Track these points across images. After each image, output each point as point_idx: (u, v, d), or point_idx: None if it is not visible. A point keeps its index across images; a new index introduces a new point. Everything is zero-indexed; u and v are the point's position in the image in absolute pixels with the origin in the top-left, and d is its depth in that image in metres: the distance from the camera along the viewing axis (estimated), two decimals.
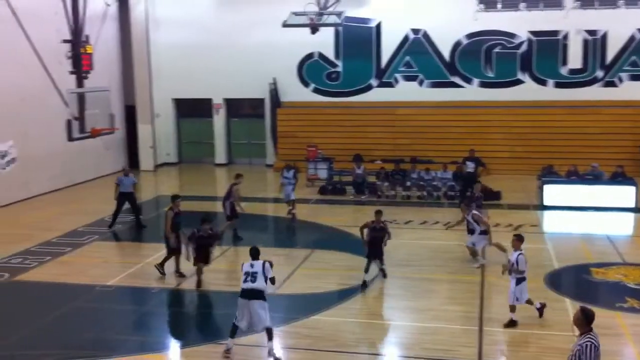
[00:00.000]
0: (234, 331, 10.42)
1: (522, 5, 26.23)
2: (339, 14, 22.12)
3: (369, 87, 28.12)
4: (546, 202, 20.49)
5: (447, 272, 14.70)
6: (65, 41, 17.44)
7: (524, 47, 26.69)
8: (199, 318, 12.85)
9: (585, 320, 7.22)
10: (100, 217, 19.46)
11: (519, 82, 26.87)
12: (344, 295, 13.13)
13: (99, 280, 14.14)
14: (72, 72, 17.47)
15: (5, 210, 20.79)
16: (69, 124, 16.46)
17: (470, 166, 20.77)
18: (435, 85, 27.44)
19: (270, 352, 10.34)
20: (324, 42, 27.01)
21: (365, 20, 27.57)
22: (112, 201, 18.18)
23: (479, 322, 11.69)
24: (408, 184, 22.24)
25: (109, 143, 26.15)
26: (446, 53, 27.21)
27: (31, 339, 11.29)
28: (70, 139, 16.79)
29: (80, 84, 17.43)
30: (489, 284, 13.60)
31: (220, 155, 29.93)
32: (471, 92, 27.12)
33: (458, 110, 26.80)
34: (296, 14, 21.69)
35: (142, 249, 16.48)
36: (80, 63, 17.27)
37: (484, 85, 27.10)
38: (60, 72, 18.75)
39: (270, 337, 10.34)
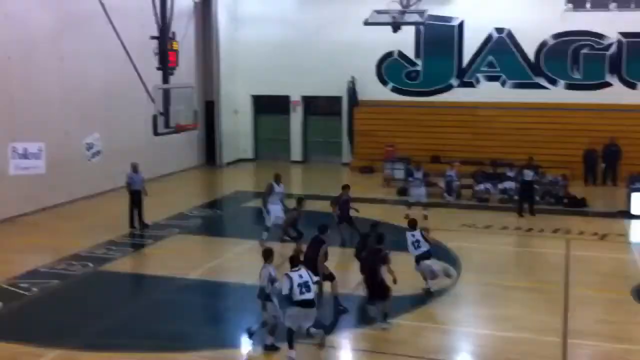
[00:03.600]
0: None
1: (612, 5, 25.33)
2: (421, 13, 21.73)
3: (449, 87, 27.67)
4: (634, 211, 19.60)
5: (528, 280, 14.28)
6: (153, 37, 17.76)
7: (613, 49, 25.67)
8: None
9: None
10: (180, 211, 19.88)
11: (607, 84, 25.88)
12: (420, 300, 12.88)
13: (179, 273, 14.38)
14: (158, 68, 17.74)
15: (90, 200, 21.49)
16: (154, 119, 16.74)
17: (528, 174, 19.82)
18: (519, 86, 26.74)
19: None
20: (404, 40, 26.65)
21: (447, 19, 27.13)
22: (193, 195, 18.46)
23: (563, 334, 11.28)
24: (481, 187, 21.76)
25: (190, 138, 26.66)
26: (531, 53, 26.47)
27: (112, 328, 11.57)
28: (156, 133, 17.05)
29: (165, 80, 17.71)
30: (574, 295, 13.13)
31: (296, 153, 30.07)
32: (556, 93, 26.28)
33: (542, 112, 26.03)
34: (378, 12, 21.48)
35: (222, 244, 16.70)
36: (166, 59, 17.53)
37: (570, 87, 26.23)
38: (145, 68, 19.15)
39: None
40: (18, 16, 19.00)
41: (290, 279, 10.27)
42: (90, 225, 18.40)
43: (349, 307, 12.32)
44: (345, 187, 17.18)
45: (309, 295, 10.31)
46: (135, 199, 18.09)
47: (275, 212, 16.40)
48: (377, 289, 11.64)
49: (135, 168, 18.16)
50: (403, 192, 21.87)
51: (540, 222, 18.84)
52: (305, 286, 10.28)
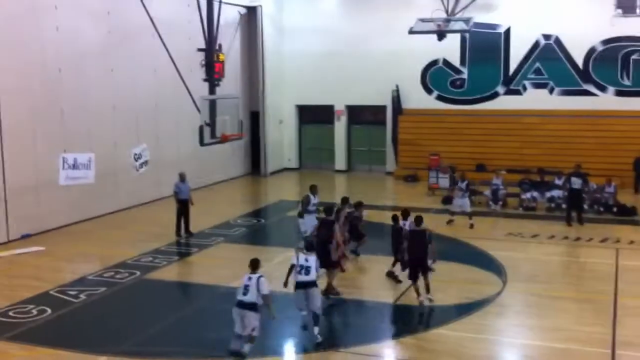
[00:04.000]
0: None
1: None
2: (466, 20, 21.61)
3: (495, 95, 27.38)
4: None
5: (576, 290, 13.97)
6: (200, 49, 18.02)
7: None
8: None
9: None
10: (225, 220, 20.07)
11: None
12: (464, 309, 12.72)
13: (223, 281, 14.49)
14: (205, 80, 18.01)
15: (138, 209, 21.89)
16: (201, 129, 16.97)
17: (576, 182, 19.34)
18: (567, 93, 26.30)
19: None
20: (449, 48, 26.53)
21: (493, 26, 26.88)
22: (238, 204, 18.60)
23: (612, 345, 11.00)
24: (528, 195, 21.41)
25: (235, 147, 26.98)
26: (579, 60, 26.03)
27: (158, 335, 11.72)
28: (203, 143, 17.30)
29: (212, 91, 17.95)
30: (623, 306, 12.79)
31: (340, 162, 30.11)
32: (605, 100, 25.76)
33: (591, 120, 25.57)
34: (423, 20, 21.42)
35: (266, 253, 16.73)
36: (212, 71, 17.75)
37: (619, 93, 25.67)
38: (192, 79, 19.52)
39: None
40: (69, 30, 19.49)
41: (297, 256, 11.27)
42: (137, 234, 18.73)
43: (394, 319, 12.30)
44: (359, 205, 16.62)
45: (305, 278, 11.08)
46: (183, 207, 18.36)
47: (313, 222, 16.44)
48: (421, 265, 12.61)
49: (182, 177, 18.43)
50: (447, 200, 21.66)
51: (589, 231, 18.43)
52: (305, 269, 11.10)
